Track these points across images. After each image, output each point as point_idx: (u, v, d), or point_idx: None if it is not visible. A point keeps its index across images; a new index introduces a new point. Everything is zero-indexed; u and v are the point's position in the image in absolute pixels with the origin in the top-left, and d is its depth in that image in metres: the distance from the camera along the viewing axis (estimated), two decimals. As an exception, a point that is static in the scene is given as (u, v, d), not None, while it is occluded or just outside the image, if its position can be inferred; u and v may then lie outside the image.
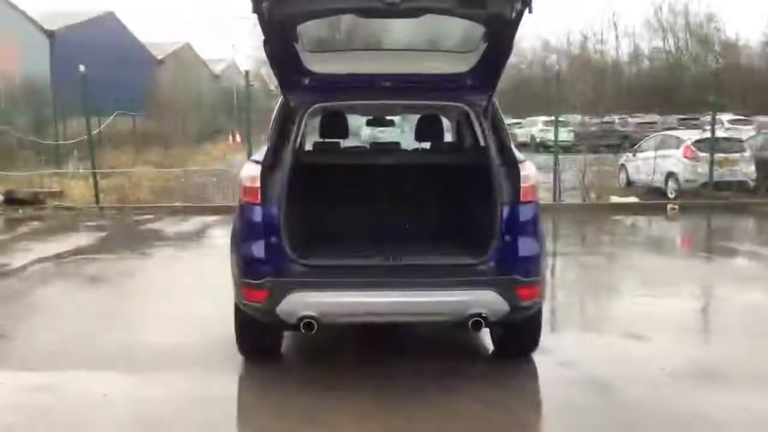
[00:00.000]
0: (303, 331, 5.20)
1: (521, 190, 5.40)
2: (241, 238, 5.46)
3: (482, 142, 5.79)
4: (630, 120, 32.76)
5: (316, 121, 6.79)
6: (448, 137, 7.30)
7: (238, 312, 5.64)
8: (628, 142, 24.83)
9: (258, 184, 5.34)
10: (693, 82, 43.52)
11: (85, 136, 16.63)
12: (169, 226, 13.44)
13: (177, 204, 15.46)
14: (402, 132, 12.80)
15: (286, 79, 5.74)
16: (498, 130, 5.69)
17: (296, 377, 5.74)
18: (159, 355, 6.06)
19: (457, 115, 6.64)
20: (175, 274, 9.51)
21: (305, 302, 5.18)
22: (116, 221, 14.19)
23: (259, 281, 5.28)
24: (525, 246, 5.39)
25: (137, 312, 7.55)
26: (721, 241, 12.71)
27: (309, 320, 5.17)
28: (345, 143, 7.02)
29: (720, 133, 18.47)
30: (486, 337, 6.11)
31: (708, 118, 21.35)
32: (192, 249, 11.53)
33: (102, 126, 20.59)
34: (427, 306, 5.25)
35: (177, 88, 33.78)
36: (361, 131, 12.80)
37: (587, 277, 9.61)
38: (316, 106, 5.84)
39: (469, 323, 5.22)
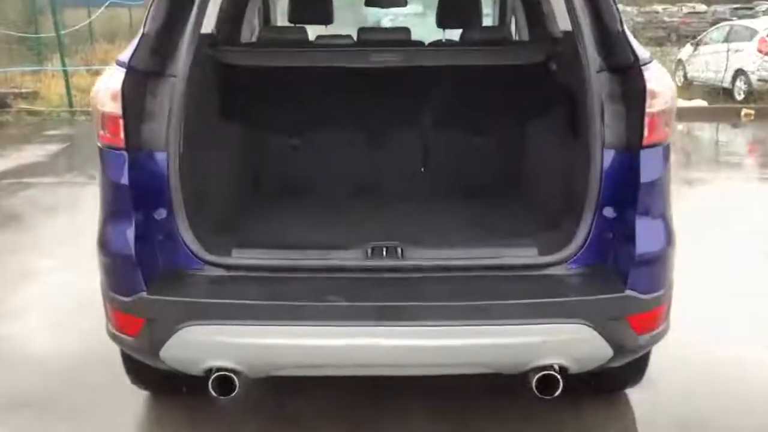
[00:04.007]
0: (213, 392, 2.56)
1: (645, 120, 2.57)
2: (102, 215, 2.73)
3: (559, 26, 2.97)
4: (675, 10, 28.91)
5: None
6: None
7: None
8: (675, 35, 21.52)
9: (118, 108, 2.57)
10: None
11: (73, 28, 13.75)
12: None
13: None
14: (422, 14, 8.81)
15: None
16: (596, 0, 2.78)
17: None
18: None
19: None
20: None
21: (215, 343, 2.52)
22: (85, 129, 11.41)
23: (128, 300, 2.59)
24: (647, 232, 2.61)
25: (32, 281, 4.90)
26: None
27: (223, 375, 2.52)
28: (322, 32, 4.14)
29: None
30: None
31: (765, 6, 17.76)
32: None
33: (93, 17, 17.64)
34: (450, 353, 2.55)
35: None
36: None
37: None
38: None
39: (533, 381, 2.54)
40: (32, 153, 9.49)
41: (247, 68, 3.44)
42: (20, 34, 16.87)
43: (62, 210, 6.87)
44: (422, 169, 3.83)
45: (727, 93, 13.58)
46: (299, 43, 3.74)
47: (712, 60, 14.19)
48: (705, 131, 11.47)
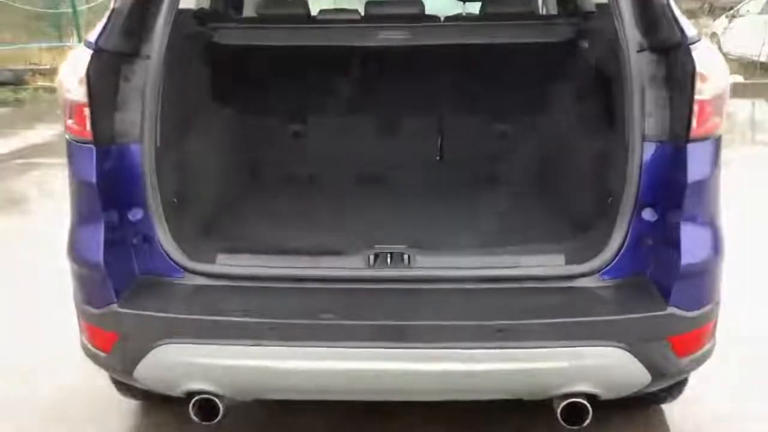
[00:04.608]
0: (194, 417, 2.25)
1: (693, 108, 2.17)
2: (71, 217, 2.41)
3: None
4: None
5: None
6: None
7: None
8: (709, 6, 20.68)
9: (84, 95, 2.23)
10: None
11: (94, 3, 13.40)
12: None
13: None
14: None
15: None
16: None
17: None
18: None
19: None
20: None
21: (195, 364, 2.21)
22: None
23: (98, 312, 2.28)
24: (693, 239, 2.23)
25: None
26: None
27: (205, 398, 2.20)
28: (326, 5, 3.76)
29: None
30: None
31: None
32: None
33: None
34: (463, 380, 2.19)
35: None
36: None
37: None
38: None
39: (559, 408, 2.19)
40: (42, 133, 9.22)
41: (240, 48, 3.09)
42: (39, 10, 16.63)
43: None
44: (438, 159, 3.47)
45: (764, 67, 12.93)
46: (299, 18, 3.36)
47: (748, 33, 13.50)
48: (740, 108, 10.90)
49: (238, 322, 2.16)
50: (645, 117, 2.25)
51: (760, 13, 13.59)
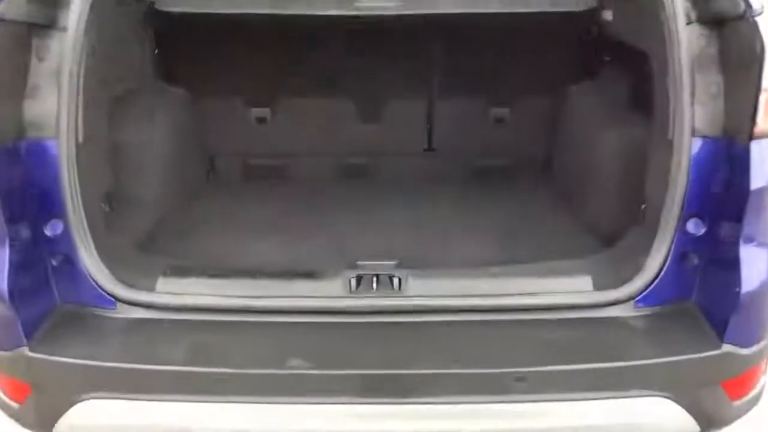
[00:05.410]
0: None
1: (759, 97, 1.72)
2: None
3: None
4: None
5: None
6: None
7: None
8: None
9: None
10: None
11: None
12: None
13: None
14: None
15: None
16: None
17: None
18: None
19: None
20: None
21: (127, 426, 1.72)
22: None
23: (6, 355, 1.79)
24: (755, 259, 1.78)
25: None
26: None
27: None
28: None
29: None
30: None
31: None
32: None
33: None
34: None
35: None
36: None
37: None
38: None
39: None
40: None
41: (190, 16, 2.55)
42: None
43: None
44: (426, 148, 2.98)
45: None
46: None
47: None
48: None
49: (180, 373, 1.68)
50: (694, 107, 1.79)
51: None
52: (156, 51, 2.64)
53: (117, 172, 2.13)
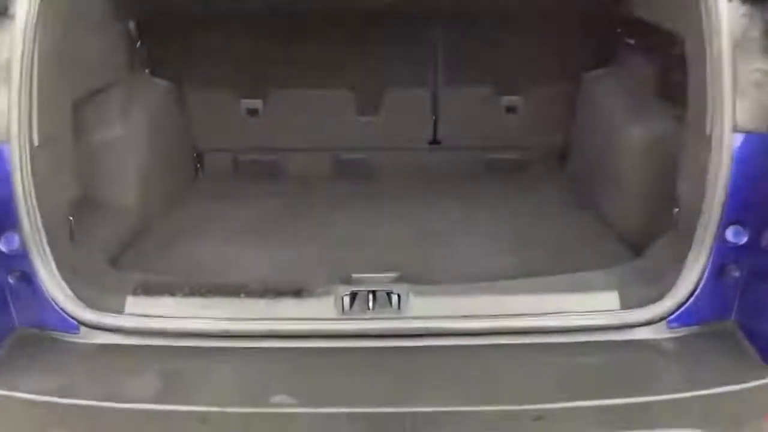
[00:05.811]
0: None
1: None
2: None
3: None
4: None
5: None
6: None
7: None
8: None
9: None
10: None
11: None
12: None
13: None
14: None
15: None
16: None
17: None
18: None
19: None
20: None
21: None
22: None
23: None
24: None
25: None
26: None
27: None
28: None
29: None
30: None
31: None
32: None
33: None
34: None
35: None
36: None
37: None
38: None
39: None
40: None
41: (173, 2, 2.32)
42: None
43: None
44: (431, 141, 2.75)
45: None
46: None
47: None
48: None
49: (149, 412, 1.46)
50: (737, 98, 1.55)
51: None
52: (138, 41, 2.42)
53: (87, 177, 1.92)
